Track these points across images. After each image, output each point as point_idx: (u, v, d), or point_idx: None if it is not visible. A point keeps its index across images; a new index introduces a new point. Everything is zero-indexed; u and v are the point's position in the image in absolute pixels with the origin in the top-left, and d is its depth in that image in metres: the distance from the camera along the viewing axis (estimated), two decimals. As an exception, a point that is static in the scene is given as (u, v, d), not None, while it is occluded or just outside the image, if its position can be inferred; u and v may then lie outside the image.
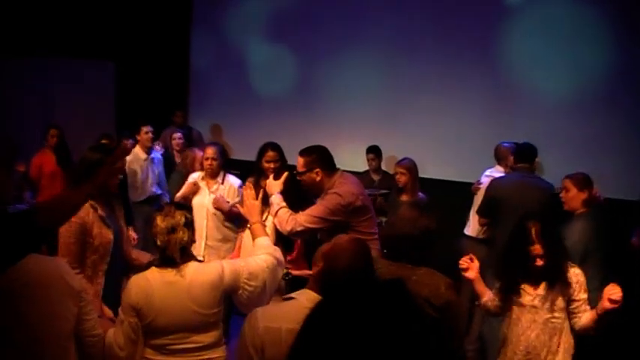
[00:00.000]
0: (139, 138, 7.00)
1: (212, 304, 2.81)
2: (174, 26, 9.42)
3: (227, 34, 9.19)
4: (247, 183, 3.56)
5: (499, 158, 5.82)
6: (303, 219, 3.89)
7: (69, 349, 2.62)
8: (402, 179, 5.71)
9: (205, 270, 2.85)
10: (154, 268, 2.87)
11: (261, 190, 3.56)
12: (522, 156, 5.19)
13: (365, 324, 1.47)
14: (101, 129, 7.53)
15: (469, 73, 7.26)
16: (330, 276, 2.38)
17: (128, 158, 6.57)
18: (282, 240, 4.05)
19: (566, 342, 3.36)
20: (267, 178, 4.27)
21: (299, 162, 4.06)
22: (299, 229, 3.87)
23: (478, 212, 5.36)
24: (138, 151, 6.92)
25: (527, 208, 4.22)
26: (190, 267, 2.84)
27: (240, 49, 9.06)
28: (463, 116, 7.27)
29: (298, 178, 4.06)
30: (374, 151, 7.02)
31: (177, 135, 7.68)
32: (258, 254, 3.03)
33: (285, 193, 4.05)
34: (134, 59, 9.14)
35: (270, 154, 4.54)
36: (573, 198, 4.33)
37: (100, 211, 3.53)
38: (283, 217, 3.92)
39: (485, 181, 5.74)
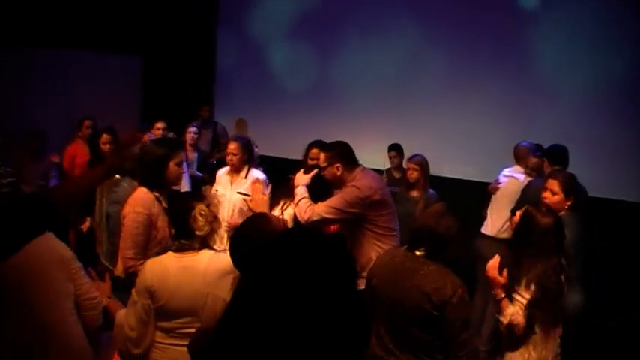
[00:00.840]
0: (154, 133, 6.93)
1: (225, 290, 2.82)
2: (200, 22, 9.51)
3: (252, 32, 9.31)
4: (257, 178, 3.64)
5: (518, 158, 5.80)
6: (320, 209, 4.03)
7: (74, 322, 2.80)
8: (413, 175, 5.74)
9: (220, 258, 2.91)
10: (170, 253, 2.96)
11: (270, 185, 3.66)
12: (557, 158, 5.13)
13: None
14: (128, 123, 7.64)
15: (488, 72, 7.28)
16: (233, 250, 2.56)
17: None
18: None
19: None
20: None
21: (321, 157, 4.23)
22: (315, 218, 3.99)
23: (512, 214, 5.34)
24: None
25: None
26: (206, 254, 2.93)
27: (264, 46, 9.17)
28: (481, 116, 7.29)
29: (321, 173, 4.19)
30: (396, 149, 7.10)
31: (192, 129, 7.42)
32: None
33: (311, 187, 4.18)
34: (161, 54, 9.25)
35: (314, 151, 4.70)
36: (559, 202, 4.05)
37: (163, 204, 3.59)
38: (302, 206, 4.06)
39: (503, 181, 5.77)
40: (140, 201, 3.54)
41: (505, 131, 6.82)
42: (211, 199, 3.06)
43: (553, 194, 4.08)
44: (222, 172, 5.33)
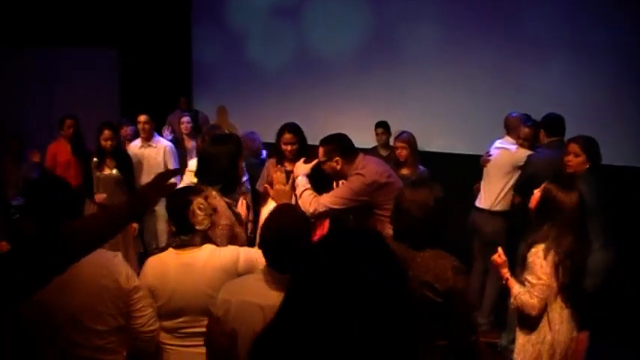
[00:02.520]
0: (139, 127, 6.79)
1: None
2: (175, 12, 9.41)
3: (227, 18, 9.18)
4: (269, 165, 3.54)
5: (509, 129, 5.73)
6: (326, 200, 3.94)
7: (113, 342, 2.63)
8: (402, 153, 5.69)
9: (221, 255, 2.85)
10: (171, 249, 2.90)
11: (292, 176, 3.57)
12: (555, 128, 5.08)
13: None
14: (106, 116, 7.53)
15: (474, 43, 7.19)
16: (265, 247, 2.47)
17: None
18: None
19: None
20: (287, 160, 4.28)
21: (319, 151, 4.13)
22: (322, 209, 3.91)
23: (516, 190, 5.27)
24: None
25: None
26: (206, 250, 2.86)
27: (241, 32, 9.04)
28: (469, 88, 7.22)
29: (321, 167, 4.12)
30: (383, 126, 7.05)
31: (186, 119, 7.62)
32: None
33: (312, 177, 4.11)
34: (137, 46, 9.15)
35: (287, 136, 4.56)
36: (582, 164, 4.28)
37: (233, 208, 3.44)
38: (307, 199, 3.97)
39: (495, 152, 5.70)
40: (225, 212, 3.30)
41: (494, 102, 6.76)
42: (209, 192, 2.97)
43: (576, 156, 4.29)
44: None
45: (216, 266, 2.80)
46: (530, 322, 3.27)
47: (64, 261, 1.89)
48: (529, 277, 3.21)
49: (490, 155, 5.73)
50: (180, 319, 2.81)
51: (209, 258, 2.82)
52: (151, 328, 2.70)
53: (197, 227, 2.84)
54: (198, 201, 2.85)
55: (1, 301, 1.80)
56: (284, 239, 2.39)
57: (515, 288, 3.25)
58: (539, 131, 5.29)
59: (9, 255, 1.86)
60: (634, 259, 5.09)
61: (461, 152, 7.07)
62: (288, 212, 2.54)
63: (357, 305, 1.42)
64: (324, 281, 1.46)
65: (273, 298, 2.17)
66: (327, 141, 4.14)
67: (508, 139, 5.70)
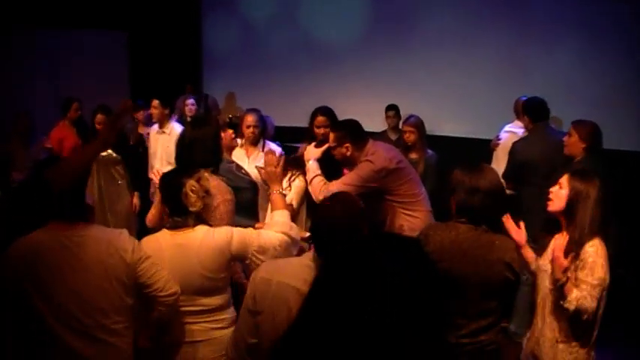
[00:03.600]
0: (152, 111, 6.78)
1: (218, 269, 2.82)
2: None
3: (237, 1, 9.18)
4: (270, 149, 3.56)
5: (518, 112, 5.72)
6: (336, 187, 3.90)
7: (120, 322, 2.66)
8: (410, 137, 5.66)
9: (214, 235, 2.85)
10: (165, 230, 2.91)
11: (283, 158, 3.55)
12: (538, 113, 5.04)
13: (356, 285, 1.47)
14: (116, 99, 7.50)
15: (484, 27, 7.17)
16: (315, 234, 2.40)
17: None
18: (313, 206, 4.08)
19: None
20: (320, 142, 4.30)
21: (330, 137, 4.10)
22: None
23: (504, 177, 5.23)
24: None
25: (554, 167, 4.19)
26: (200, 230, 2.86)
27: (252, 14, 9.04)
28: (479, 72, 7.20)
29: (331, 152, 4.10)
30: (394, 109, 7.05)
31: (190, 101, 7.57)
32: (274, 230, 2.99)
33: (322, 162, 4.10)
34: (147, 29, 9.13)
35: (320, 119, 4.50)
36: (574, 144, 4.32)
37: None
38: (316, 186, 3.97)
39: (504, 136, 5.70)
40: (224, 187, 3.38)
41: (504, 86, 6.75)
42: (202, 174, 2.96)
43: (569, 136, 4.38)
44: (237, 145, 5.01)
45: (210, 246, 2.81)
46: (584, 326, 3.01)
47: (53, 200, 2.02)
48: (588, 279, 2.91)
49: (499, 139, 5.74)
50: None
51: (203, 238, 2.83)
52: (171, 291, 2.71)
53: (190, 209, 2.84)
54: (191, 183, 2.85)
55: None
56: (334, 229, 2.32)
57: (575, 292, 2.90)
58: (526, 117, 5.21)
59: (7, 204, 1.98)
60: (636, 247, 5.04)
61: (470, 136, 7.05)
62: (344, 202, 2.44)
63: (381, 296, 1.43)
64: (353, 274, 1.47)
65: None
66: (338, 127, 4.12)
67: (517, 123, 5.71)
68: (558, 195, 3.09)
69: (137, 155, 6.30)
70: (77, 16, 8.36)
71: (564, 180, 3.11)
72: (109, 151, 5.88)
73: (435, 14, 7.51)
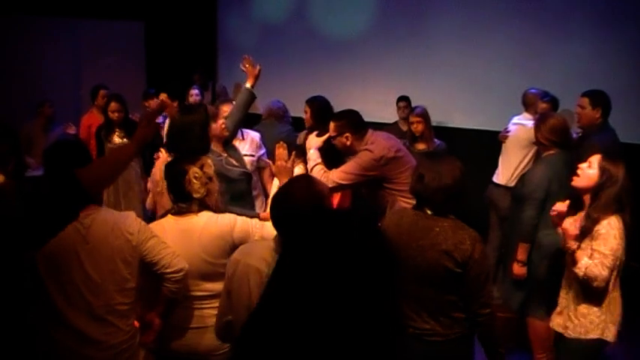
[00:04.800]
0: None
1: (219, 254, 2.86)
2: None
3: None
4: (281, 143, 3.61)
5: (527, 104, 5.74)
6: (335, 176, 4.01)
7: (124, 304, 2.74)
8: (418, 128, 5.71)
9: (217, 221, 2.91)
10: (170, 216, 2.98)
11: (294, 152, 3.63)
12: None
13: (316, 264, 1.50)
14: (132, 88, 7.63)
15: (496, 19, 7.11)
16: (272, 213, 2.41)
17: None
18: None
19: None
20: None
21: (330, 127, 4.17)
22: (331, 185, 3.94)
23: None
24: None
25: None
26: (203, 216, 2.92)
27: (267, 4, 9.06)
28: (492, 64, 7.14)
29: (331, 142, 4.17)
30: (405, 100, 7.07)
31: (195, 92, 7.51)
32: None
33: (323, 151, 4.16)
34: (163, 18, 9.19)
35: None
36: (589, 114, 4.46)
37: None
38: (317, 174, 4.03)
39: (512, 129, 5.72)
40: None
41: (516, 78, 6.68)
42: (205, 160, 3.03)
43: (583, 108, 4.45)
44: None
45: (212, 233, 2.87)
46: (596, 294, 3.19)
47: (81, 200, 2.02)
48: (600, 248, 3.09)
49: (508, 131, 5.76)
50: None
51: (206, 224, 2.89)
52: (178, 267, 2.76)
53: (194, 195, 2.91)
54: (194, 170, 2.92)
55: (26, 243, 1.93)
56: (292, 211, 2.31)
57: (585, 259, 3.12)
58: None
59: (31, 200, 1.96)
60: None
61: (482, 128, 7.05)
62: (301, 183, 2.46)
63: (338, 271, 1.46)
64: (310, 251, 1.50)
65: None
66: (338, 117, 4.20)
67: (526, 115, 5.73)
68: (587, 174, 3.24)
69: (150, 142, 6.39)
70: (95, 6, 8.44)
71: (595, 160, 3.25)
72: (124, 139, 6.02)
73: (448, 5, 7.47)
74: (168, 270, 2.77)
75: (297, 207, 2.28)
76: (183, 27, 9.17)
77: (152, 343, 2.94)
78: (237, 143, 4.84)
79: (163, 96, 6.72)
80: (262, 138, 5.04)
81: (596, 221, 3.14)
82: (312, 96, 5.04)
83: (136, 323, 2.88)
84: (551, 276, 3.82)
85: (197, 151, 3.29)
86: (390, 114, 7.14)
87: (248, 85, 4.50)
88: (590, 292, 3.20)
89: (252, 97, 4.51)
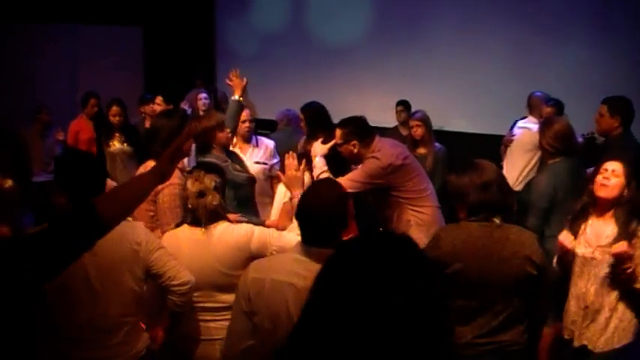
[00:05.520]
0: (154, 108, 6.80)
1: (235, 265, 2.81)
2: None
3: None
4: (291, 152, 3.59)
5: (532, 108, 5.76)
6: (342, 183, 3.93)
7: (129, 314, 2.68)
8: (418, 132, 5.72)
9: (234, 232, 2.88)
10: (185, 226, 2.95)
11: (304, 161, 3.60)
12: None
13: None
14: (130, 94, 7.58)
15: (495, 22, 7.14)
16: (300, 219, 2.38)
17: None
18: None
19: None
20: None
21: (336, 134, 4.12)
22: None
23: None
24: None
25: None
26: (219, 227, 2.88)
27: (264, 10, 9.04)
28: (490, 67, 7.17)
29: (338, 149, 4.11)
30: (403, 104, 7.04)
31: (203, 95, 7.36)
32: (295, 233, 2.87)
33: (329, 157, 4.11)
34: (161, 23, 9.17)
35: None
36: (607, 121, 4.32)
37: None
38: None
39: (518, 132, 5.71)
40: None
41: (515, 81, 6.72)
42: (199, 173, 2.96)
43: (601, 115, 4.36)
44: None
45: (229, 243, 2.83)
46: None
47: (99, 231, 1.92)
48: None
49: (513, 135, 5.76)
50: (195, 294, 2.83)
51: (222, 235, 2.85)
52: (183, 279, 2.69)
53: (207, 206, 2.86)
54: (188, 182, 2.90)
55: (41, 276, 1.83)
56: (322, 213, 2.30)
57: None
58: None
59: (48, 232, 1.86)
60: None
61: (481, 132, 7.06)
62: (327, 186, 2.49)
63: (385, 304, 1.34)
64: (352, 279, 1.38)
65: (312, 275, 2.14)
66: (344, 124, 4.14)
67: (531, 118, 5.73)
68: (613, 183, 3.15)
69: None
70: (92, 11, 8.40)
71: (619, 168, 3.16)
72: (125, 144, 5.98)
73: (446, 9, 7.49)
74: (173, 282, 2.70)
75: (327, 206, 2.30)
76: (181, 32, 9.13)
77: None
78: (250, 150, 4.87)
79: (159, 99, 6.65)
80: (278, 146, 5.00)
81: (633, 234, 3.06)
82: (307, 102, 5.00)
83: (143, 325, 2.84)
84: (558, 282, 3.75)
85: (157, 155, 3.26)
86: (389, 118, 7.11)
87: (236, 96, 4.58)
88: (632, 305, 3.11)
89: (241, 108, 4.59)
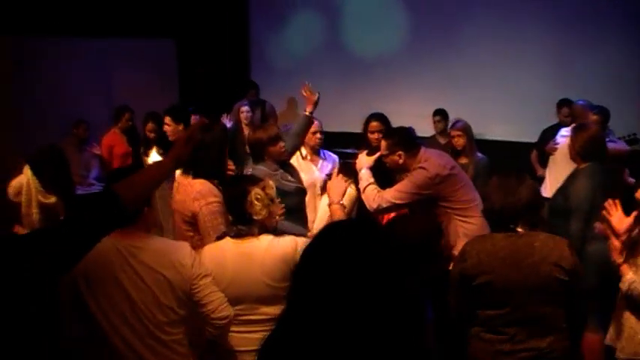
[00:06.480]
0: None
1: (281, 278, 2.80)
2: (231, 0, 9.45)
3: (286, 5, 9.21)
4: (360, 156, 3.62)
5: (575, 117, 5.69)
6: (389, 195, 3.95)
7: (174, 334, 2.64)
8: (459, 142, 5.66)
9: (279, 244, 2.86)
10: (228, 239, 2.92)
11: (350, 181, 3.62)
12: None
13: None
14: (164, 107, 7.58)
15: (530, 29, 7.12)
16: None
17: None
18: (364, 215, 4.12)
19: None
20: (373, 148, 4.32)
21: (382, 145, 4.13)
22: (385, 205, 3.93)
23: None
24: None
25: None
26: (264, 240, 2.87)
27: (300, 20, 9.04)
28: (526, 75, 7.16)
29: (383, 160, 4.12)
30: (440, 114, 7.03)
31: (245, 108, 7.41)
32: None
33: (374, 169, 4.11)
34: (194, 36, 9.20)
35: (374, 124, 4.60)
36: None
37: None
38: (370, 194, 3.99)
39: (561, 141, 5.62)
40: (209, 191, 3.41)
41: (551, 88, 6.68)
42: (266, 182, 2.98)
43: None
44: (295, 157, 4.85)
45: (275, 256, 2.82)
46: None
47: (119, 216, 2.02)
48: None
49: (557, 144, 5.69)
50: (238, 307, 2.81)
51: (268, 248, 2.84)
52: (223, 314, 2.66)
53: (255, 217, 2.86)
54: (256, 191, 2.87)
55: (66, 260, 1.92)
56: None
57: (630, 274, 3.00)
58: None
59: (73, 218, 2.00)
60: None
61: (517, 140, 7.00)
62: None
63: (351, 296, 1.48)
64: (319, 277, 1.53)
65: None
66: (390, 135, 4.15)
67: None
68: None
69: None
70: (125, 25, 8.47)
71: None
72: (162, 156, 5.99)
73: (482, 17, 7.47)
74: (213, 315, 2.67)
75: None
76: (215, 43, 9.17)
77: None
78: (320, 162, 4.94)
79: (167, 119, 6.59)
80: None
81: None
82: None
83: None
84: (603, 287, 3.73)
85: (209, 173, 3.37)
86: (426, 127, 7.06)
87: (307, 111, 4.53)
88: (631, 306, 3.11)
89: (310, 123, 4.56)
